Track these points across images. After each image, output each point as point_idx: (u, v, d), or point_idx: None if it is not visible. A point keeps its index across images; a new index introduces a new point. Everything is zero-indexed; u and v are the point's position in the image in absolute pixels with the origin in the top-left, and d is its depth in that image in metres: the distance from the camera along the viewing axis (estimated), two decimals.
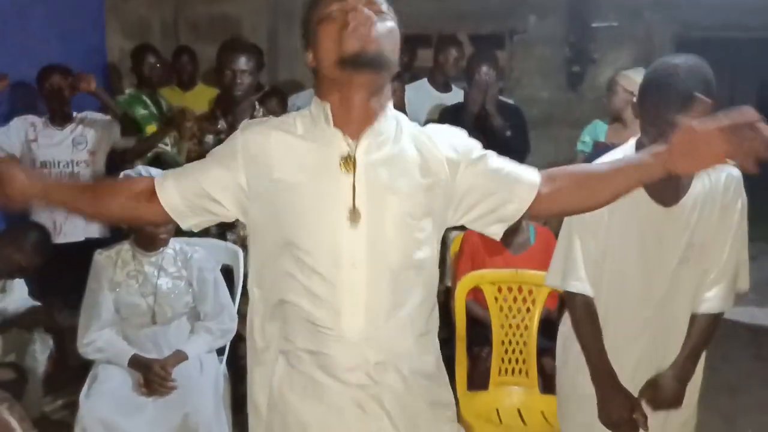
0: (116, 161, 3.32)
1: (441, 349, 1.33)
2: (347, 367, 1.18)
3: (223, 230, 2.70)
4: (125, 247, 2.34)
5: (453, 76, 3.83)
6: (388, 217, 1.17)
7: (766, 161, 1.07)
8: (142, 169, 2.36)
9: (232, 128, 1.00)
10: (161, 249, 2.35)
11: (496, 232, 1.29)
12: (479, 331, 2.56)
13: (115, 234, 2.86)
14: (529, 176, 1.26)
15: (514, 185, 1.25)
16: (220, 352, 2.47)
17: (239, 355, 2.45)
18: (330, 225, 1.16)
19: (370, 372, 1.19)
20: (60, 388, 2.86)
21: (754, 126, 1.05)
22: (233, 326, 2.41)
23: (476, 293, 2.53)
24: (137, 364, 2.24)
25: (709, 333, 1.69)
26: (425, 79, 3.84)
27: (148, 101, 3.75)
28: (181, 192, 1.25)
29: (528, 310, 2.47)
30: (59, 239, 3.07)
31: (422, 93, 3.72)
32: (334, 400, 1.20)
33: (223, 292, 2.42)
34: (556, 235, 2.83)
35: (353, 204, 1.16)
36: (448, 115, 3.39)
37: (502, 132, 3.18)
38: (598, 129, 3.44)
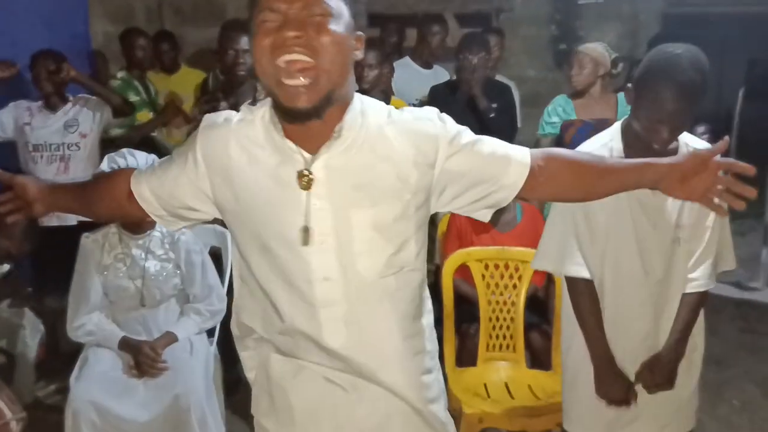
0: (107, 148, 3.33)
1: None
2: (332, 369, 1.19)
3: None
4: (112, 230, 2.34)
5: (437, 54, 3.87)
6: (356, 233, 1.11)
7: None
8: (126, 151, 2.34)
9: (234, 109, 1.01)
10: (148, 232, 2.35)
11: (485, 216, 1.25)
12: (467, 308, 2.58)
13: None
14: (519, 161, 1.19)
15: (502, 174, 1.18)
16: (210, 333, 2.48)
17: (230, 336, 2.46)
18: (292, 242, 1.11)
19: (357, 376, 1.19)
20: (52, 373, 2.87)
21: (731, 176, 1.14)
22: (222, 307, 2.42)
23: (464, 271, 2.55)
24: (127, 346, 2.25)
25: (696, 311, 1.73)
26: (408, 57, 3.92)
27: (139, 87, 3.76)
28: (158, 200, 1.25)
29: (515, 286, 2.50)
30: (52, 222, 3.08)
31: (406, 70, 3.77)
32: (320, 384, 1.20)
33: (212, 273, 2.43)
34: (541, 211, 2.89)
35: (306, 223, 1.10)
36: (439, 95, 3.41)
37: (487, 114, 3.22)
38: (567, 106, 3.36)
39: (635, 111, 1.61)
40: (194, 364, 2.28)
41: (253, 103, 1.21)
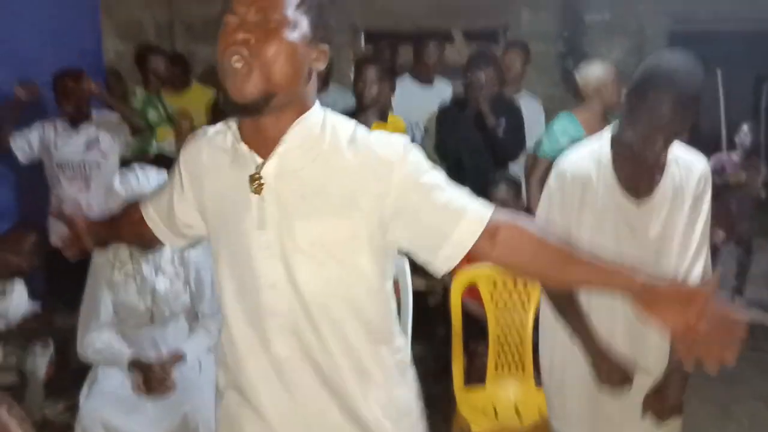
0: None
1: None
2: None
3: None
4: (122, 248, 2.35)
5: (436, 70, 3.89)
6: (299, 242, 1.11)
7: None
8: (137, 168, 2.35)
9: None
10: (158, 249, 2.36)
11: (436, 272, 1.16)
12: (475, 327, 2.58)
13: None
14: (474, 219, 1.10)
15: (452, 228, 1.09)
16: None
17: None
18: (245, 246, 1.14)
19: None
20: (61, 392, 2.87)
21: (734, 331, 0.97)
22: None
23: (472, 290, 2.55)
24: (136, 364, 2.25)
25: None
26: (407, 75, 3.91)
27: (159, 104, 3.80)
28: (161, 219, 1.32)
29: (523, 305, 2.49)
30: None
31: (406, 88, 3.77)
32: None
33: None
34: None
35: (258, 227, 1.12)
36: (446, 112, 3.43)
37: (495, 131, 3.23)
38: (573, 126, 3.20)
39: (629, 120, 1.60)
40: (203, 382, 2.28)
41: None
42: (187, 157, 1.24)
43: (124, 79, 4.23)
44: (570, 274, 1.08)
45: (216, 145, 1.20)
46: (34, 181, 3.36)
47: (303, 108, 1.13)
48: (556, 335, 1.76)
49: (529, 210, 3.43)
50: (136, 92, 3.86)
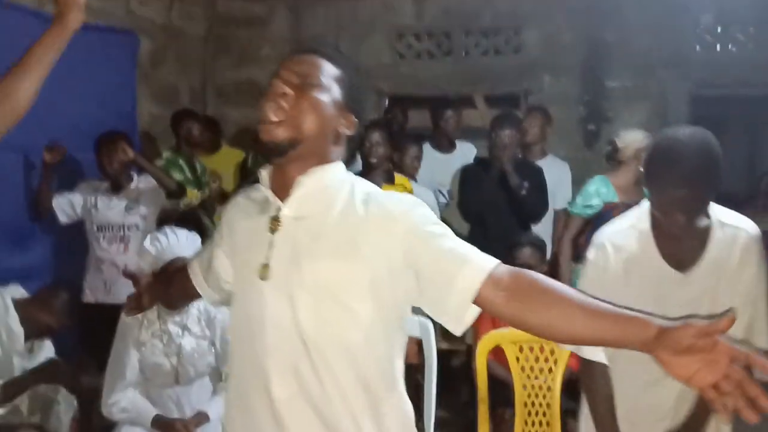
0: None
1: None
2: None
3: None
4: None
5: (455, 136, 3.97)
6: (305, 281, 1.16)
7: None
8: (167, 229, 2.39)
9: None
10: (186, 308, 2.39)
11: (454, 329, 1.16)
12: (501, 392, 2.53)
13: None
14: (478, 265, 1.11)
15: (456, 273, 1.11)
16: None
17: None
18: (257, 286, 1.20)
19: None
20: None
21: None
22: None
23: (497, 353, 2.52)
24: (160, 424, 2.25)
25: None
26: (428, 143, 3.96)
27: (185, 165, 3.90)
28: (203, 273, 1.40)
29: (550, 370, 2.44)
30: (107, 299, 3.20)
31: (426, 156, 3.81)
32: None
33: None
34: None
35: (266, 261, 1.19)
36: (470, 173, 3.48)
37: (518, 190, 3.26)
38: (607, 188, 3.27)
39: (650, 196, 1.59)
40: None
41: None
42: (227, 214, 1.35)
43: (156, 142, 4.36)
44: (580, 326, 1.05)
45: (251, 197, 1.31)
46: (69, 240, 3.43)
47: (326, 162, 1.24)
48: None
49: (555, 268, 3.43)
50: (163, 154, 3.96)
